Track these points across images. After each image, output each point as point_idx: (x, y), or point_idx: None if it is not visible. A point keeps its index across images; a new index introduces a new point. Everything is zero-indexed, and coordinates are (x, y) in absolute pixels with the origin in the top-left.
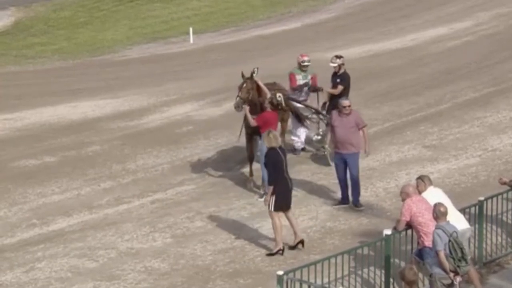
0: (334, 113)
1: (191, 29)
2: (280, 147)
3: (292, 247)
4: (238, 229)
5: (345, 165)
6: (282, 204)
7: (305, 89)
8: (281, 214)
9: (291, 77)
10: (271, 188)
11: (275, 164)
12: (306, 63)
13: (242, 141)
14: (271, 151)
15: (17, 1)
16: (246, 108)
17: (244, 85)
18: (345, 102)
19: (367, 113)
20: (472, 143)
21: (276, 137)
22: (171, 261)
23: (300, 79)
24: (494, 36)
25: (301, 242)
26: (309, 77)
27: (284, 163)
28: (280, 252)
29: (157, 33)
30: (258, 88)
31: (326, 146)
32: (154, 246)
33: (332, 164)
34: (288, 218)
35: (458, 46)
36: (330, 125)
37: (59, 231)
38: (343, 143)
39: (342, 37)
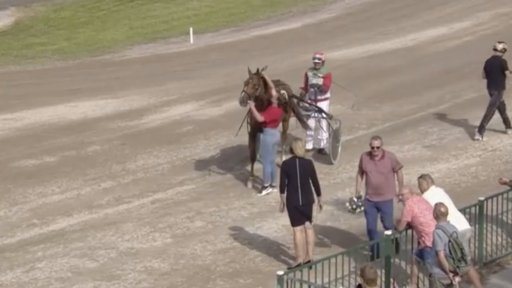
0: (364, 156)
1: (191, 29)
2: (302, 159)
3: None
4: (238, 229)
5: (377, 213)
6: (297, 219)
7: (311, 90)
8: (302, 228)
9: (304, 76)
10: (282, 196)
11: (288, 175)
12: (316, 60)
13: (243, 140)
14: (290, 160)
15: (17, 1)
16: (252, 103)
17: (250, 80)
18: (374, 142)
19: (367, 113)
20: (472, 143)
21: (302, 147)
22: (171, 261)
23: (311, 76)
24: (494, 36)
25: (309, 262)
26: (320, 75)
27: (298, 177)
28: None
29: (157, 33)
30: (265, 84)
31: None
32: (154, 246)
33: (334, 162)
34: (305, 233)
35: (458, 46)
36: (359, 170)
37: (59, 231)
38: (377, 189)
39: (342, 37)
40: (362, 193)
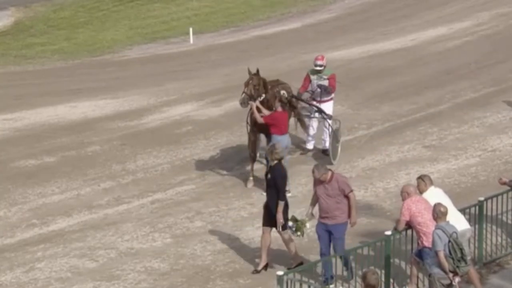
0: (317, 179)
1: (191, 29)
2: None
3: (258, 271)
4: (238, 229)
5: (329, 236)
6: (286, 221)
7: (318, 90)
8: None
9: (305, 77)
10: (282, 204)
11: (285, 179)
12: (317, 68)
13: (243, 141)
14: (280, 165)
15: (17, 1)
16: (253, 104)
17: (250, 81)
18: (313, 174)
19: (367, 113)
20: (472, 143)
21: (281, 150)
22: (171, 261)
23: (314, 80)
24: (494, 36)
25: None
26: (324, 77)
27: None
28: (301, 264)
29: (157, 33)
30: (265, 85)
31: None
32: (154, 246)
33: (334, 162)
34: (268, 237)
35: (458, 46)
36: (314, 192)
37: (59, 231)
38: (328, 213)
39: (342, 37)
40: (297, 215)
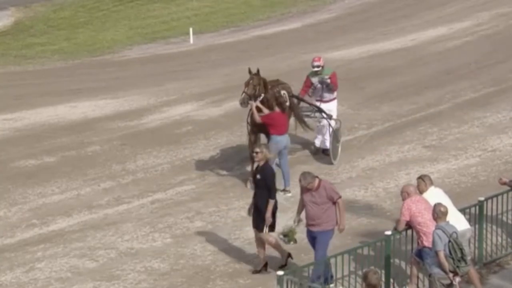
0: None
1: (191, 29)
2: None
3: (258, 271)
4: (238, 229)
5: None
6: (274, 224)
7: (319, 86)
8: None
9: (305, 80)
10: (272, 202)
11: (274, 178)
12: (315, 69)
13: (242, 141)
14: (268, 164)
15: (17, 1)
16: (253, 104)
17: (251, 81)
18: (300, 183)
19: (367, 113)
20: (472, 143)
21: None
22: (171, 261)
23: (316, 82)
24: (494, 36)
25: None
26: (326, 77)
27: None
28: (291, 257)
29: (157, 33)
30: (265, 85)
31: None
32: (154, 246)
33: (335, 162)
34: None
35: (458, 46)
36: (300, 198)
37: (59, 231)
38: (315, 220)
39: (342, 37)
40: (286, 229)
